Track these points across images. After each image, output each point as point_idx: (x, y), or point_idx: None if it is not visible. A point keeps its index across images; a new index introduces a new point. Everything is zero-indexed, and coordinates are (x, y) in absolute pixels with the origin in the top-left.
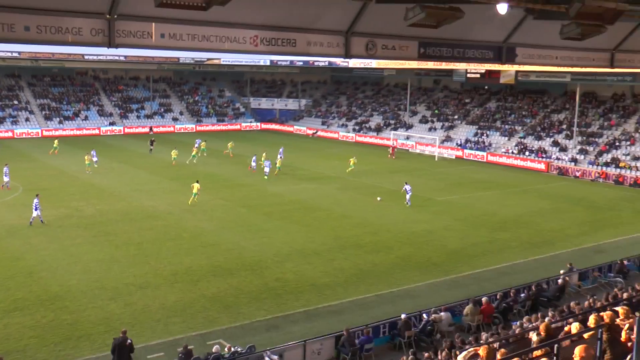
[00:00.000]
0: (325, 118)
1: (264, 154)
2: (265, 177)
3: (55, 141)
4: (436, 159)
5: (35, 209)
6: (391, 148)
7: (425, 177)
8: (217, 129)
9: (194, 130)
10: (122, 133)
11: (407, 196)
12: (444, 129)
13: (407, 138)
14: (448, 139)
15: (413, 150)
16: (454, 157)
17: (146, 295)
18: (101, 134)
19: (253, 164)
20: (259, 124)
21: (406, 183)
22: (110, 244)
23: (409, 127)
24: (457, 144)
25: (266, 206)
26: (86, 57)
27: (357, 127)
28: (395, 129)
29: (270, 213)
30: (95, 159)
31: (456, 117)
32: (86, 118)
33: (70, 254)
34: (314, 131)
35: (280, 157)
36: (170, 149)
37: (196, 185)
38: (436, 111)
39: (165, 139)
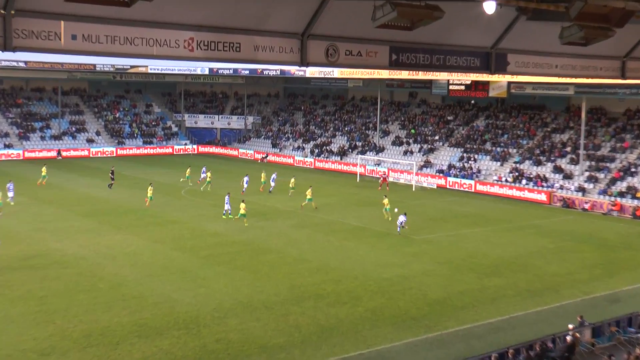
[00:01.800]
0: (278, 139)
1: (246, 177)
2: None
3: None
4: (414, 189)
5: None
6: (381, 178)
7: (401, 211)
8: (144, 153)
9: (114, 155)
10: (21, 158)
11: (399, 224)
12: (422, 153)
13: (378, 164)
14: (427, 164)
15: (389, 179)
16: (435, 186)
17: None
18: None
19: (245, 185)
20: (195, 146)
21: (405, 214)
22: (4, 298)
23: (379, 150)
24: (438, 170)
25: (204, 248)
26: None
27: (316, 150)
28: (362, 152)
29: (209, 257)
30: (11, 194)
31: (437, 137)
32: None
33: None
34: (264, 155)
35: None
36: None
37: (242, 206)
38: (412, 131)
39: (78, 165)
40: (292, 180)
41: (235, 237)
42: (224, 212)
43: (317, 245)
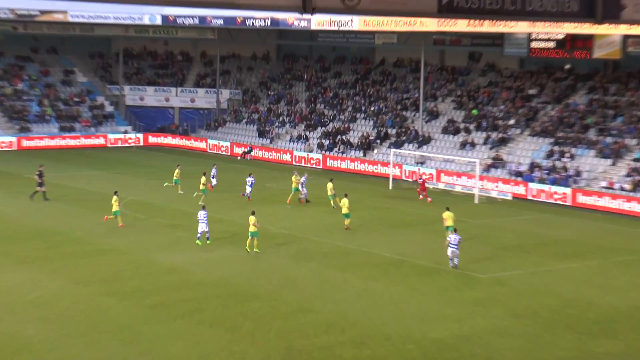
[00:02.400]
0: (267, 125)
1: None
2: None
3: None
4: (476, 201)
5: None
6: (420, 182)
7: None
8: (60, 146)
9: (13, 147)
10: None
11: (450, 253)
12: (489, 145)
13: (421, 163)
14: (498, 163)
15: (433, 184)
16: (509, 196)
17: None
18: None
19: (248, 188)
20: (140, 135)
21: (454, 231)
22: None
23: (423, 141)
24: (514, 172)
25: (153, 292)
26: None
27: (326, 142)
28: (398, 144)
29: (160, 306)
30: None
31: (512, 122)
32: None
33: None
34: (246, 149)
35: (250, 189)
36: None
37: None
38: (474, 112)
39: None
40: (330, 185)
41: (203, 273)
42: (198, 235)
43: (329, 287)
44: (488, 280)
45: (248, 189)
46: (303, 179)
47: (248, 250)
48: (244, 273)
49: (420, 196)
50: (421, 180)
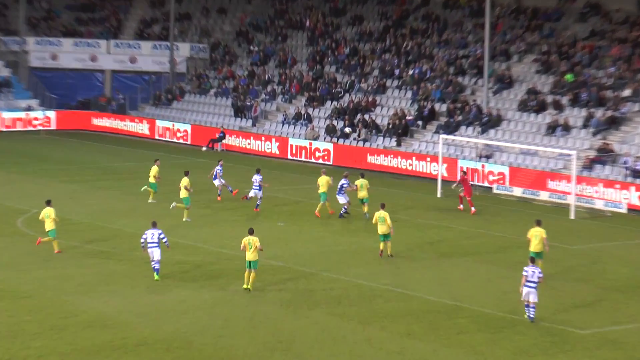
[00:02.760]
0: (248, 97)
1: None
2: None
3: None
4: (572, 215)
5: None
6: (462, 187)
7: (551, 275)
8: None
9: None
10: None
11: (525, 294)
12: (592, 129)
13: (486, 157)
14: (606, 156)
15: (505, 189)
16: (623, 208)
17: None
18: None
19: (255, 191)
20: (51, 113)
21: (532, 261)
22: None
23: (490, 123)
24: (629, 170)
25: (69, 359)
26: None
27: (339, 124)
28: (450, 128)
29: None
30: None
31: (627, 92)
32: None
33: None
34: (216, 137)
35: (258, 193)
36: None
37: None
38: (568, 77)
39: None
40: (362, 182)
41: (147, 329)
42: (153, 265)
43: (343, 349)
44: (591, 338)
45: (255, 192)
46: (344, 181)
47: (249, 288)
48: (211, 328)
49: (461, 205)
50: (460, 177)
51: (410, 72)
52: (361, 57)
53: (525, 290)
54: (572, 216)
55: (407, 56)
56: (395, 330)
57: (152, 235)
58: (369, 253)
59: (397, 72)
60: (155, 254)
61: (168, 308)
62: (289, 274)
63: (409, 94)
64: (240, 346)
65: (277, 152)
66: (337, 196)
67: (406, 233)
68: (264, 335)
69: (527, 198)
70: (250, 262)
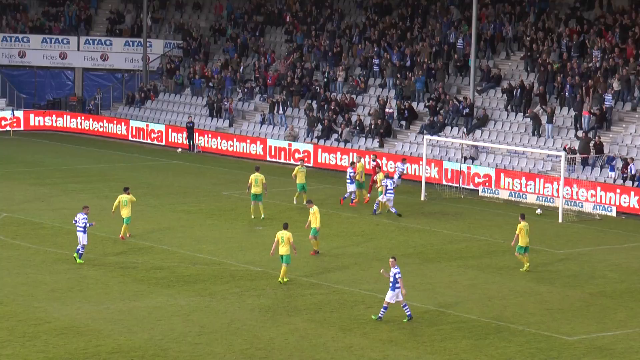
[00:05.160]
0: (223, 94)
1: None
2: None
3: None
4: (560, 219)
5: None
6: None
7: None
8: None
9: None
10: None
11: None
12: (582, 129)
13: (472, 159)
14: (595, 156)
15: (491, 193)
16: (612, 211)
17: None
18: None
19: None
20: (19, 113)
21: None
22: None
23: (477, 123)
24: (619, 171)
25: None
26: None
27: (322, 121)
28: (435, 128)
29: None
30: None
31: (617, 85)
32: None
33: None
34: (187, 126)
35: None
36: None
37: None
38: (557, 65)
39: None
40: (255, 177)
41: (121, 336)
42: (78, 248)
43: (324, 357)
44: (578, 345)
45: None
46: (396, 176)
47: (281, 281)
48: (188, 335)
49: (368, 195)
50: (374, 166)
51: (392, 60)
52: (340, 49)
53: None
54: (560, 220)
55: (389, 46)
56: (377, 337)
57: (78, 219)
58: (350, 258)
59: (376, 61)
60: (81, 238)
61: (143, 315)
62: (268, 279)
63: (392, 92)
64: (218, 354)
65: (256, 152)
66: (381, 197)
67: (389, 237)
68: (242, 342)
69: (514, 201)
70: (282, 256)
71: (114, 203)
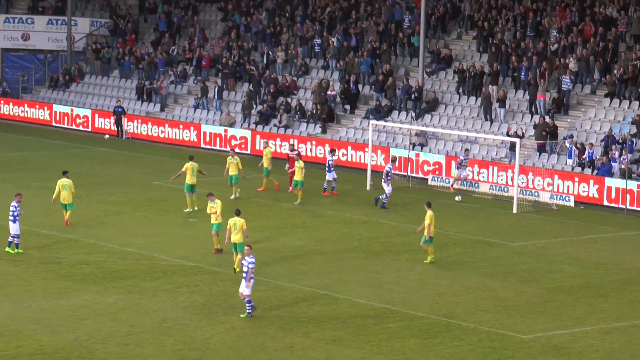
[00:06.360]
0: (153, 75)
1: None
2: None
3: None
4: (515, 209)
5: None
6: (288, 164)
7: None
8: None
9: None
10: None
11: None
12: (538, 113)
13: (420, 145)
14: (551, 142)
15: (441, 182)
16: (570, 201)
17: None
18: None
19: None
20: None
21: None
22: None
23: (426, 107)
24: (577, 158)
25: None
26: None
27: (256, 108)
28: (382, 113)
29: None
30: None
31: (574, 65)
32: None
33: None
34: (116, 107)
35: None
36: None
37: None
38: (508, 44)
39: None
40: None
41: (44, 336)
42: (10, 238)
43: (256, 353)
44: (534, 344)
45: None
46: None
47: (236, 268)
48: (116, 335)
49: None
50: (294, 152)
51: (333, 40)
52: (279, 28)
53: None
54: (514, 210)
55: (330, 24)
56: (320, 336)
57: (13, 206)
58: (289, 252)
59: (318, 41)
60: (11, 227)
61: (67, 313)
62: (202, 275)
63: (336, 74)
64: (148, 355)
65: (189, 138)
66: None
67: (332, 230)
68: (174, 343)
69: (466, 190)
70: (235, 244)
71: (55, 188)
